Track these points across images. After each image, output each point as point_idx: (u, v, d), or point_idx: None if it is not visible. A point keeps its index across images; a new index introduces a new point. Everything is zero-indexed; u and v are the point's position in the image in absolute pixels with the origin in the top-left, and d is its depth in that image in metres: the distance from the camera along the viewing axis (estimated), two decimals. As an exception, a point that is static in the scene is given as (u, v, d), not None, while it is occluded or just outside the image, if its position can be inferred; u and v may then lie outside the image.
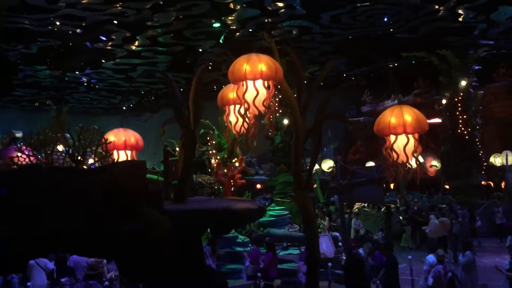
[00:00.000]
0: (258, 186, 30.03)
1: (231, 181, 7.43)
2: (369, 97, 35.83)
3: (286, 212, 15.27)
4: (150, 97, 38.76)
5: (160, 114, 44.54)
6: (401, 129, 6.16)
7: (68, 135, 26.70)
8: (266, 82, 6.06)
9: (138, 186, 4.82)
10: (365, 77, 33.61)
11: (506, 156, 22.33)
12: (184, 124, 6.91)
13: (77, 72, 29.20)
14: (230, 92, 7.05)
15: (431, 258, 9.37)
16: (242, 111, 6.11)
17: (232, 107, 7.07)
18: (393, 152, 6.25)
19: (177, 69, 29.07)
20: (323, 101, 6.85)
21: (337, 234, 13.94)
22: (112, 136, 7.02)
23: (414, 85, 32.36)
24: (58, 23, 20.28)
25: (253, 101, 5.98)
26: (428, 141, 30.83)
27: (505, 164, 23.00)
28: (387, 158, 6.37)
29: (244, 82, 6.03)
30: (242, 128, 6.51)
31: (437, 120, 29.70)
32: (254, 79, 5.99)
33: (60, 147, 22.19)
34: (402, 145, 6.19)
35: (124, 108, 43.66)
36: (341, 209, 13.56)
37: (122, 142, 6.90)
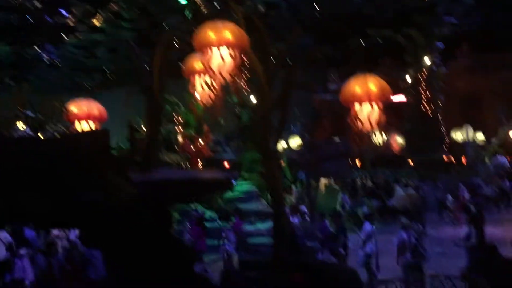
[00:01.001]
0: (226, 164, 30.06)
1: (198, 155, 7.38)
2: (336, 74, 36.02)
3: (254, 188, 15.31)
4: (115, 74, 37.93)
5: (124, 89, 43.78)
6: (366, 97, 6.23)
7: (30, 112, 25.80)
8: (232, 51, 5.99)
9: (102, 154, 4.72)
10: (332, 54, 33.81)
11: (467, 131, 22.99)
12: (150, 99, 6.82)
13: (36, 48, 28.20)
14: (195, 62, 6.95)
15: (367, 226, 9.61)
16: (208, 81, 6.04)
17: (197, 76, 6.98)
18: (358, 121, 6.31)
19: (142, 44, 28.47)
20: (290, 72, 6.83)
21: (304, 208, 14.09)
22: (74, 107, 6.84)
23: (379, 63, 32.69)
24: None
25: (219, 70, 5.90)
26: (393, 118, 31.46)
27: (465, 139, 23.66)
28: (352, 127, 6.44)
29: (209, 49, 5.94)
30: (209, 98, 6.46)
31: (401, 97, 30.30)
32: (219, 46, 5.91)
33: (21, 124, 21.38)
34: (367, 113, 6.25)
35: (88, 85, 42.76)
36: (308, 183, 13.71)
37: (85, 113, 6.73)
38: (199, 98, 6.93)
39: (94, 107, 6.88)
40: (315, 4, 22.18)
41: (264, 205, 14.81)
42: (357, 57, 33.38)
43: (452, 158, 27.89)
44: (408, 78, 27.76)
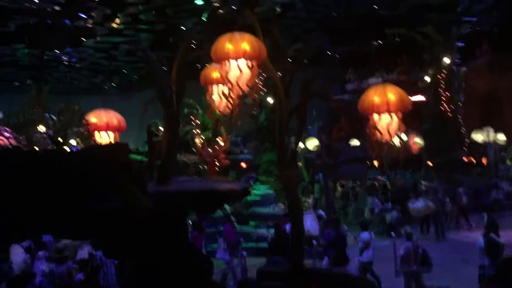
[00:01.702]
0: (243, 165, 30.10)
1: (216, 161, 7.39)
2: (353, 75, 35.80)
3: (271, 191, 15.31)
4: (133, 76, 38.30)
5: (143, 93, 44.17)
6: (385, 108, 6.17)
7: (48, 115, 26.34)
8: (249, 62, 5.99)
9: (120, 167, 4.76)
10: (349, 55, 33.61)
11: (488, 132, 22.62)
12: (167, 104, 6.84)
13: (56, 51, 28.58)
14: (213, 71, 6.97)
15: (365, 235, 9.64)
16: (226, 91, 6.05)
17: (215, 86, 7.00)
18: (377, 131, 6.26)
19: (160, 48, 28.68)
20: (307, 80, 6.80)
21: (322, 212, 14.04)
22: (93, 117, 6.90)
23: (398, 63, 32.39)
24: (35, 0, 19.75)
25: (237, 81, 5.90)
26: (412, 120, 31.17)
27: (486, 140, 23.29)
28: (371, 136, 6.38)
29: (227, 61, 5.94)
30: (226, 108, 6.47)
31: (420, 98, 29.96)
32: (237, 58, 5.91)
33: (41, 128, 21.82)
34: (386, 123, 6.20)
35: (106, 87, 43.20)
36: (326, 186, 13.65)
37: (104, 123, 6.79)
38: (216, 106, 6.93)
39: (114, 117, 6.93)
40: (331, 3, 21.96)
41: (282, 208, 14.82)
42: (375, 57, 33.23)
43: (473, 159, 27.49)
44: (427, 78, 27.39)
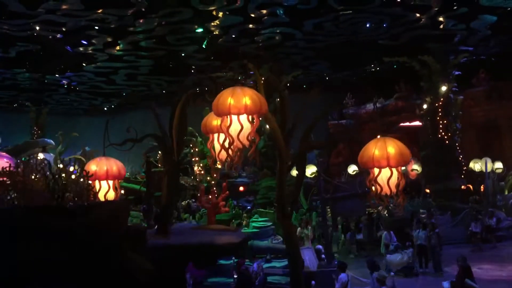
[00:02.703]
0: (241, 188, 30.04)
1: (215, 207, 7.41)
2: (351, 100, 36.02)
3: (270, 224, 15.28)
4: (133, 98, 38.42)
5: (142, 112, 44.29)
6: (385, 162, 6.20)
7: (49, 140, 26.36)
8: (250, 117, 6.04)
9: (120, 230, 4.76)
10: (348, 80, 33.87)
11: (486, 163, 22.68)
12: (167, 153, 6.88)
13: (57, 75, 28.76)
14: (214, 120, 7.02)
15: (343, 276, 9.89)
16: (227, 144, 6.08)
17: (216, 135, 7.04)
18: (377, 185, 6.28)
19: (160, 72, 28.90)
20: (306, 132, 6.86)
21: (320, 247, 14.00)
22: (94, 165, 6.91)
23: (396, 89, 32.66)
24: (38, 28, 19.92)
25: (238, 135, 5.95)
26: (410, 145, 31.20)
27: (484, 170, 23.35)
28: (371, 190, 6.40)
29: (228, 116, 5.99)
30: (226, 157, 6.49)
31: (418, 123, 30.10)
32: (238, 114, 5.96)
33: (40, 155, 21.82)
34: (386, 178, 6.22)
35: (105, 109, 43.32)
36: (324, 221, 13.63)
37: (104, 172, 6.80)
38: (216, 155, 6.96)
39: (114, 164, 6.94)
40: (330, 33, 22.21)
41: (280, 241, 14.76)
42: (372, 83, 33.47)
43: (471, 188, 27.50)
44: (424, 105, 27.58)
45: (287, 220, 6.76)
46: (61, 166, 18.13)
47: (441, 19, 21.10)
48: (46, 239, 4.62)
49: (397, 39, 23.47)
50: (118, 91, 34.55)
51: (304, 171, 6.98)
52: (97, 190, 6.84)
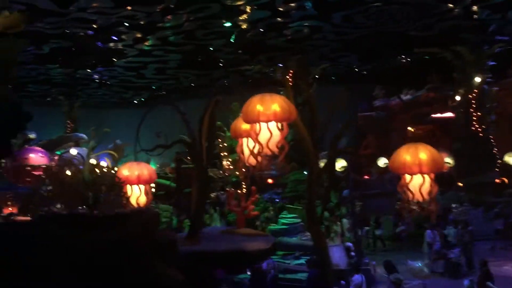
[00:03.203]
0: (269, 181, 30.05)
1: (244, 211, 7.43)
2: (381, 91, 35.43)
3: (298, 220, 15.26)
4: (162, 91, 38.86)
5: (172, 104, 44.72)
6: (417, 169, 6.09)
7: (81, 135, 26.83)
8: (279, 124, 6.01)
9: (151, 241, 4.82)
10: (377, 71, 33.33)
11: (521, 156, 22.03)
12: (197, 160, 6.93)
13: (88, 70, 29.28)
14: (243, 124, 7.01)
15: (357, 278, 9.70)
16: (256, 151, 6.07)
17: (245, 139, 7.03)
18: (408, 191, 6.18)
19: (188, 66, 29.07)
20: (334, 138, 6.79)
21: (350, 244, 13.93)
22: (125, 170, 7.02)
23: (427, 80, 31.94)
24: (69, 25, 20.27)
25: (267, 143, 5.93)
26: (442, 137, 30.41)
27: (519, 164, 22.68)
28: (402, 196, 6.30)
29: (257, 123, 5.98)
30: (254, 160, 6.49)
31: (450, 114, 29.41)
32: (267, 121, 5.94)
33: (73, 151, 22.12)
34: (418, 185, 6.12)
35: (135, 102, 43.94)
36: (354, 219, 13.52)
37: (136, 177, 6.90)
38: (246, 159, 6.97)
39: (145, 168, 7.03)
40: (360, 25, 21.84)
41: (310, 238, 14.73)
42: (403, 74, 32.83)
43: (505, 181, 26.80)
44: (457, 97, 26.93)
45: (317, 226, 6.73)
46: (94, 161, 18.44)
47: (475, 8, 20.47)
48: (77, 251, 4.71)
49: (429, 29, 22.92)
50: (148, 85, 34.97)
51: (334, 180, 6.92)
52: (129, 195, 6.96)
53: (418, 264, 11.97)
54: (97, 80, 32.50)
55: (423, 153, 6.17)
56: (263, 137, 5.99)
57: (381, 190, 12.25)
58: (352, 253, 13.66)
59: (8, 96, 5.45)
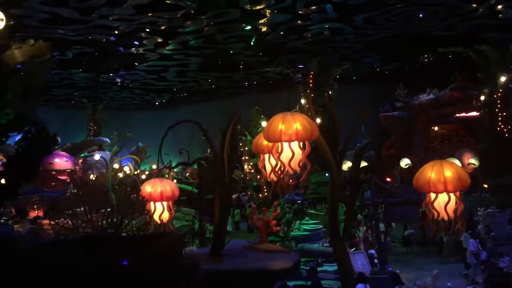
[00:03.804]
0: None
1: (266, 226, 7.43)
2: (403, 91, 34.90)
3: (321, 226, 15.18)
4: (183, 93, 39.14)
5: (191, 107, 45.09)
6: (442, 187, 5.99)
7: (104, 139, 27.25)
8: (301, 143, 5.98)
9: (176, 264, 4.85)
10: (399, 71, 32.90)
11: (549, 159, 21.46)
12: (220, 175, 6.95)
13: (111, 74, 29.65)
14: (264, 141, 7.00)
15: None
16: (278, 169, 6.06)
17: (266, 155, 7.03)
18: (434, 210, 6.09)
19: (209, 69, 29.19)
20: (356, 157, 6.72)
21: (373, 251, 13.79)
22: (149, 187, 7.08)
23: (451, 79, 31.38)
24: (92, 32, 20.55)
25: (289, 162, 5.91)
26: (467, 137, 29.80)
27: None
28: (427, 214, 6.21)
29: (280, 143, 5.96)
30: (275, 176, 6.48)
31: (475, 113, 28.84)
32: (289, 141, 5.92)
33: (97, 156, 22.46)
34: (443, 203, 6.02)
35: (157, 103, 44.35)
36: (377, 227, 13.38)
37: (159, 194, 6.95)
38: (268, 175, 6.96)
39: (167, 185, 7.09)
40: (382, 27, 21.58)
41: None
42: (426, 73, 32.34)
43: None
44: (481, 96, 26.41)
45: (339, 243, 6.69)
46: (117, 166, 18.61)
47: (499, 7, 20.02)
48: (99, 275, 4.74)
49: (453, 29, 22.53)
50: (169, 87, 35.25)
51: (356, 198, 6.87)
52: (152, 212, 7.02)
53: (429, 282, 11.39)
54: (119, 84, 32.90)
55: (448, 171, 6.07)
56: (286, 156, 5.97)
57: (406, 198, 12.04)
58: (375, 261, 13.53)
59: (35, 120, 5.55)
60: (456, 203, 6.04)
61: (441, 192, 6.02)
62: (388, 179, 30.53)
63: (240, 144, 22.24)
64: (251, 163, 21.55)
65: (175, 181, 22.94)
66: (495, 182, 24.92)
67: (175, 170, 41.52)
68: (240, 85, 34.60)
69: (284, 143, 5.95)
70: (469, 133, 32.38)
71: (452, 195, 6.03)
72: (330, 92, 27.40)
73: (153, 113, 45.82)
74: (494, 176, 25.01)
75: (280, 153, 5.97)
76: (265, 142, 6.99)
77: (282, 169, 5.95)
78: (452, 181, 5.99)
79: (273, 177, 6.76)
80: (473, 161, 27.78)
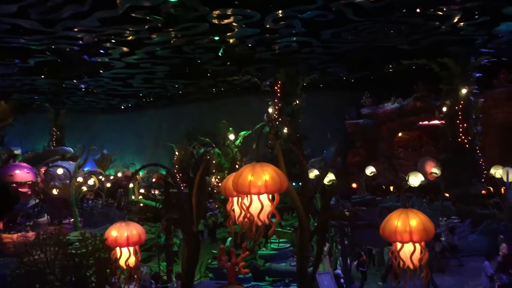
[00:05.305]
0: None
1: (234, 266, 7.40)
2: (369, 99, 35.55)
3: (288, 245, 15.23)
4: (149, 98, 38.60)
5: (157, 110, 44.47)
6: (408, 237, 6.06)
7: (68, 148, 26.56)
8: (270, 195, 5.96)
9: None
10: (365, 80, 33.42)
11: (507, 173, 22.18)
12: (188, 228, 6.88)
13: (74, 81, 28.97)
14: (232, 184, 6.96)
15: None
16: (247, 220, 6.02)
17: (235, 198, 6.98)
18: (399, 259, 6.18)
19: (176, 76, 28.90)
20: (324, 202, 6.77)
21: (339, 271, 13.92)
22: (114, 231, 6.91)
23: (414, 89, 32.15)
24: (55, 42, 20.00)
25: (258, 214, 5.88)
26: (429, 145, 30.52)
27: (505, 180, 22.81)
28: (393, 262, 6.30)
29: (248, 195, 5.92)
30: (246, 221, 6.45)
31: (436, 122, 29.58)
32: (258, 194, 5.88)
33: (59, 171, 21.74)
34: (409, 252, 6.10)
35: (122, 107, 43.56)
36: (344, 250, 13.52)
37: (125, 239, 6.79)
38: (236, 218, 6.92)
39: (134, 229, 6.94)
40: (348, 41, 21.87)
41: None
42: (390, 82, 32.94)
43: (491, 190, 27.05)
44: (443, 108, 27.11)
45: (307, 278, 6.74)
46: (80, 179, 18.27)
47: (461, 24, 20.60)
48: None
49: (416, 44, 23.05)
50: (135, 93, 34.73)
51: (324, 244, 6.92)
52: (118, 257, 6.89)
53: None
54: (83, 89, 32.17)
55: (414, 220, 6.15)
56: (255, 208, 5.94)
57: (371, 221, 12.24)
58: (342, 280, 13.67)
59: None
60: (421, 252, 6.14)
61: (407, 242, 6.10)
62: (354, 185, 31.07)
63: (207, 157, 22.12)
64: (218, 177, 21.44)
65: (140, 197, 22.68)
66: (456, 191, 25.63)
67: (140, 173, 41.06)
68: (207, 92, 34.43)
69: (253, 196, 5.91)
70: (432, 141, 33.29)
71: (417, 245, 6.13)
72: (297, 102, 27.62)
73: (118, 117, 44.93)
74: (455, 186, 25.72)
75: (249, 205, 5.93)
76: (233, 188, 6.95)
77: (251, 220, 5.92)
78: (417, 231, 6.08)
79: (241, 219, 6.72)
80: (435, 171, 28.53)
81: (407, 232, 6.07)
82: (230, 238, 12.49)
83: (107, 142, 40.95)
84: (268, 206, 6.00)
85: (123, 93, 33.88)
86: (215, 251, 15.15)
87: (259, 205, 5.94)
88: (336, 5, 16.78)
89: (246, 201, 5.98)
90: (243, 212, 6.21)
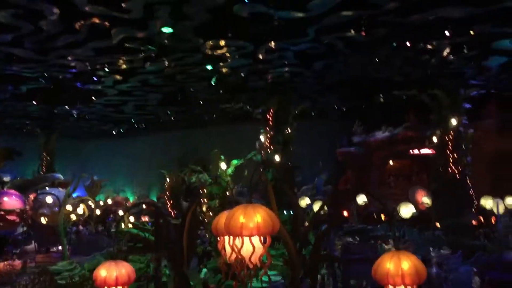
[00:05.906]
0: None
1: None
2: (360, 127, 35.79)
3: (279, 278, 15.05)
4: (141, 124, 38.61)
5: (149, 137, 44.45)
6: (399, 280, 6.04)
7: (57, 175, 26.39)
8: (262, 237, 5.93)
9: None
10: (356, 109, 33.75)
11: (497, 205, 22.25)
12: (177, 265, 6.80)
13: (66, 107, 28.97)
14: (223, 222, 6.93)
15: None
16: (238, 262, 5.98)
17: (226, 237, 6.93)
18: (391, 302, 6.14)
19: (168, 103, 29.01)
20: (316, 243, 6.75)
21: (331, 307, 13.77)
22: (104, 271, 6.81)
23: (404, 119, 32.48)
24: (48, 70, 20.08)
25: (250, 257, 5.84)
26: (420, 174, 30.65)
27: (495, 212, 22.88)
28: (385, 304, 6.26)
29: (239, 237, 5.89)
30: (237, 261, 6.39)
31: (427, 151, 29.83)
32: (250, 236, 5.85)
33: (49, 199, 21.42)
34: (400, 295, 6.07)
35: (114, 133, 43.48)
36: (335, 282, 13.43)
37: (114, 279, 6.68)
38: (227, 257, 6.85)
39: (123, 268, 6.83)
40: (340, 72, 22.20)
41: (289, 296, 14.54)
42: (382, 111, 33.29)
43: (481, 219, 27.12)
44: (434, 138, 27.38)
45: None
46: (70, 208, 17.99)
47: (451, 58, 21.00)
48: None
49: (407, 76, 23.43)
50: (127, 118, 34.78)
51: (316, 284, 6.88)
52: (106, 298, 6.75)
53: None
54: (75, 115, 32.15)
55: (406, 263, 6.13)
56: (246, 250, 5.89)
57: (363, 256, 12.20)
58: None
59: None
60: (412, 295, 6.10)
61: (399, 285, 6.07)
62: (345, 213, 31.03)
63: (199, 186, 21.97)
64: (209, 206, 21.26)
65: (130, 225, 22.36)
66: (447, 222, 25.64)
67: (130, 199, 40.49)
68: (200, 119, 34.58)
69: (245, 238, 5.88)
70: (423, 170, 33.49)
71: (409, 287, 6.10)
72: (289, 130, 27.77)
73: (110, 142, 44.80)
74: (446, 216, 25.75)
75: (240, 248, 5.89)
76: (224, 226, 6.91)
77: (243, 263, 5.87)
78: (409, 274, 6.04)
79: (233, 259, 6.65)
80: (426, 201, 28.60)
81: (399, 276, 6.05)
82: (204, 270, 12.30)
83: (98, 167, 40.75)
84: (259, 248, 5.94)
85: (115, 119, 33.91)
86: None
87: (251, 248, 5.91)
88: (328, 38, 17.08)
89: (237, 242, 5.96)
90: (235, 259, 6.17)
